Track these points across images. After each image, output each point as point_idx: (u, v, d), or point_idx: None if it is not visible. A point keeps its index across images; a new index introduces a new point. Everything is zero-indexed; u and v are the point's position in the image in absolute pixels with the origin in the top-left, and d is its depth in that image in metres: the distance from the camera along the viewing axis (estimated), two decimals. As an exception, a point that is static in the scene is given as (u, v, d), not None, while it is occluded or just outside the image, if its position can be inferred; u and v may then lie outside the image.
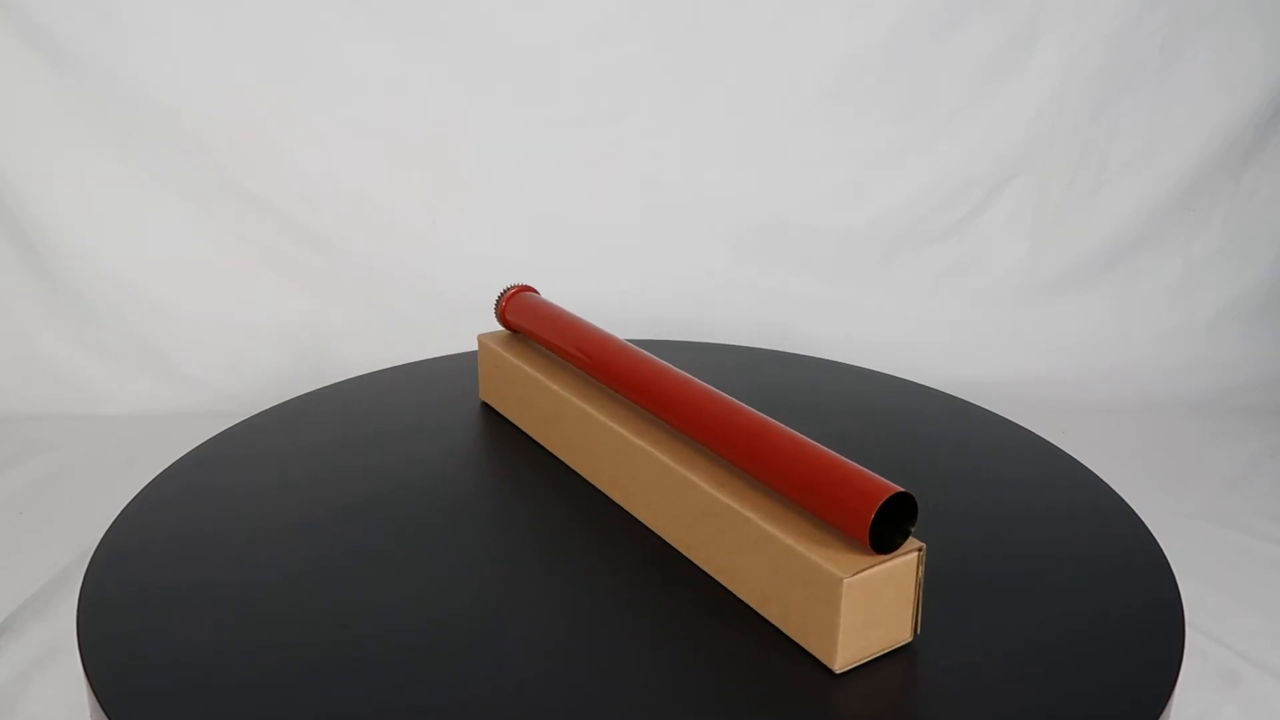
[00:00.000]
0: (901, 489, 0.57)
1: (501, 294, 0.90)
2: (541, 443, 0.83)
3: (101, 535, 0.71)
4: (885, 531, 0.57)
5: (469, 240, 1.84)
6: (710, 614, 0.62)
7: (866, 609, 0.57)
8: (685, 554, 0.68)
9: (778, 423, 0.65)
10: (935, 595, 0.62)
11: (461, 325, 1.84)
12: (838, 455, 0.61)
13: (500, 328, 0.91)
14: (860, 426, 0.91)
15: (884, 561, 0.56)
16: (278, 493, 0.78)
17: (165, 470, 0.81)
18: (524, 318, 0.87)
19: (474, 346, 0.99)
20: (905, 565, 0.57)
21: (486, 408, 0.92)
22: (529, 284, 0.91)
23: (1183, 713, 1.03)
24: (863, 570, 0.56)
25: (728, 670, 0.58)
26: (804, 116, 1.83)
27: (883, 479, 0.58)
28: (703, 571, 0.66)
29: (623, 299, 1.84)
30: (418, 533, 0.72)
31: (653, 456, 0.69)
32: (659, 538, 0.70)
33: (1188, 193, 1.90)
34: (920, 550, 0.57)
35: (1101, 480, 0.82)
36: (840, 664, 0.57)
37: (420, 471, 0.81)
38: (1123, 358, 1.92)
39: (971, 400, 0.99)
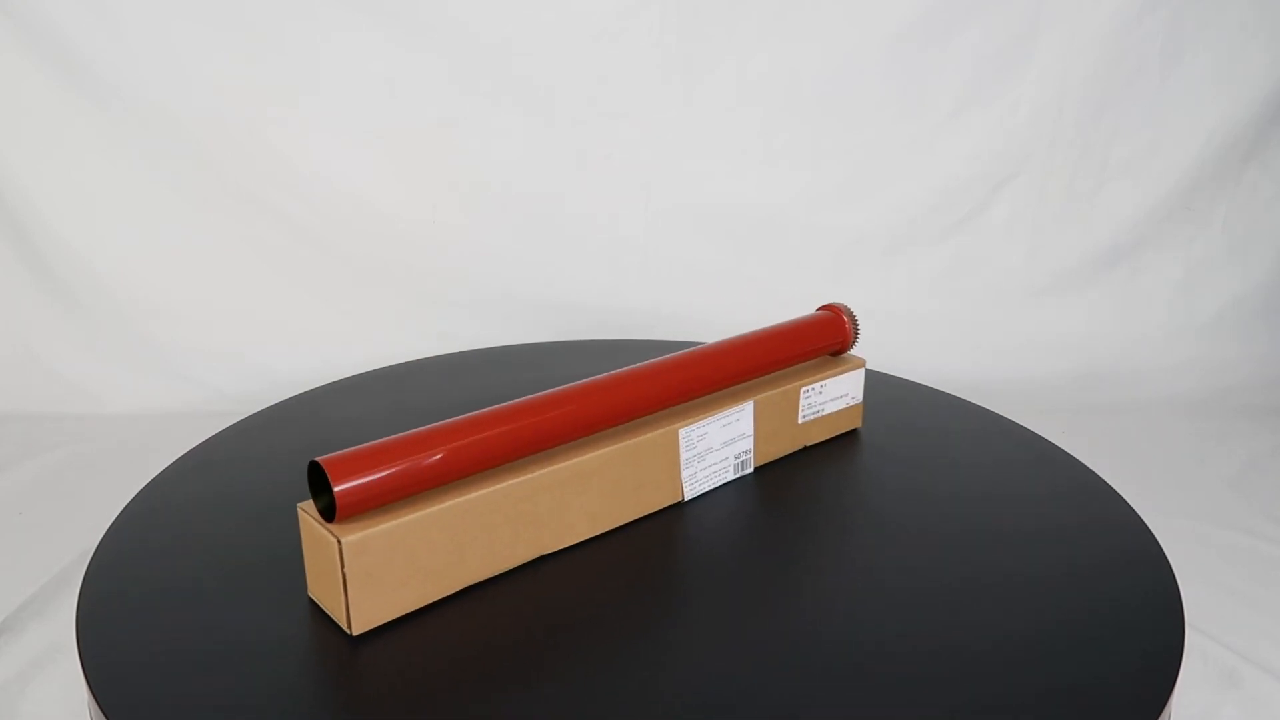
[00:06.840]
0: (322, 462, 0.57)
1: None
2: None
3: (101, 535, 0.71)
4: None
5: (469, 239, 1.84)
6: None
7: (316, 552, 0.60)
8: None
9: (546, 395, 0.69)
10: (933, 592, 0.62)
11: (461, 324, 1.85)
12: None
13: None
14: (858, 426, 0.91)
15: (319, 522, 0.59)
16: (277, 492, 0.77)
17: (165, 470, 0.81)
18: None
19: (469, 346, 0.99)
20: (327, 538, 0.58)
21: None
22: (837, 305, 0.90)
23: (1183, 713, 1.03)
24: (308, 510, 0.60)
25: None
26: (804, 116, 1.83)
27: (359, 455, 0.59)
28: None
29: (622, 298, 1.84)
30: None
31: None
32: None
33: (1188, 193, 1.90)
34: (338, 542, 0.57)
35: (1102, 480, 0.82)
36: (310, 589, 0.63)
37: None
38: (1123, 358, 1.92)
39: (971, 400, 0.99)
